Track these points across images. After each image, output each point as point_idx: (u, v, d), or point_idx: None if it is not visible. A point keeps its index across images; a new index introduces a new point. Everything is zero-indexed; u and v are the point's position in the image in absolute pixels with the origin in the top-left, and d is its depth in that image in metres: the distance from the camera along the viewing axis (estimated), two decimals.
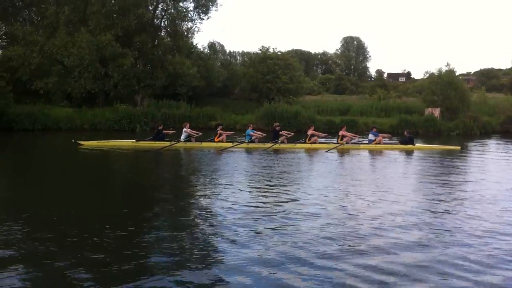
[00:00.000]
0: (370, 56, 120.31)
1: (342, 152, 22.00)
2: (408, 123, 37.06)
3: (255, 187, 12.54)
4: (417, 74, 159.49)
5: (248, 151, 21.80)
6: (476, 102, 44.85)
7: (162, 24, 44.99)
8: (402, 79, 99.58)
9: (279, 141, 23.06)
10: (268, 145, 22.76)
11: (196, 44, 57.50)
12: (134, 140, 23.18)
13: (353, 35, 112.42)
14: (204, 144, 22.95)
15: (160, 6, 43.81)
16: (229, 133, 24.27)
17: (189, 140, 22.95)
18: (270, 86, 46.58)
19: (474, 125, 36.86)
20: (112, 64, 37.35)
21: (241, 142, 23.17)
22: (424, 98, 42.50)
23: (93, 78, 36.97)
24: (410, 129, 30.36)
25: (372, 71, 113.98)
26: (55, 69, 37.18)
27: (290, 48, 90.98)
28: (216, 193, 11.50)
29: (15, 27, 39.25)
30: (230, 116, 39.16)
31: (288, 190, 11.96)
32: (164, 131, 23.52)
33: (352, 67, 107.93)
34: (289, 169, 15.95)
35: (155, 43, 43.21)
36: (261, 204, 10.25)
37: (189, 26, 45.76)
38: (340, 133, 24.04)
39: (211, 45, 62.05)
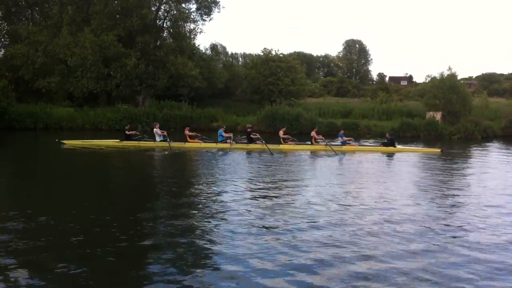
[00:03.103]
0: (372, 59, 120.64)
1: (318, 154, 22.44)
2: (409, 126, 37.09)
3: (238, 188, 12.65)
4: (419, 78, 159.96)
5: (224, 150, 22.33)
6: (478, 107, 44.80)
7: (164, 25, 45.00)
8: (403, 83, 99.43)
9: (229, 141, 23.51)
10: (251, 145, 23.48)
11: (198, 45, 57.61)
12: (118, 140, 23.21)
13: (355, 38, 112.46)
14: (188, 145, 23.32)
15: (162, 7, 43.86)
16: (192, 134, 24.34)
17: (165, 140, 23.15)
18: (272, 88, 46.54)
19: (475, 129, 36.80)
20: (115, 64, 37.40)
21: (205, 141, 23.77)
22: (426, 101, 42.46)
23: (95, 78, 37.03)
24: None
25: (374, 74, 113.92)
26: (58, 69, 37.27)
27: (292, 51, 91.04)
28: (212, 193, 11.69)
29: (19, 26, 39.29)
30: (231, 118, 39.13)
31: (281, 193, 12.12)
32: (128, 132, 23.61)
33: (354, 70, 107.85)
34: (279, 171, 16.18)
35: (158, 43, 43.24)
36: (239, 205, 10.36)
37: (191, 27, 45.79)
38: (312, 134, 24.76)
39: (213, 47, 62.01)
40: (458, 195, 12.55)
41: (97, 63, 36.73)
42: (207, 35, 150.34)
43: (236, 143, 23.85)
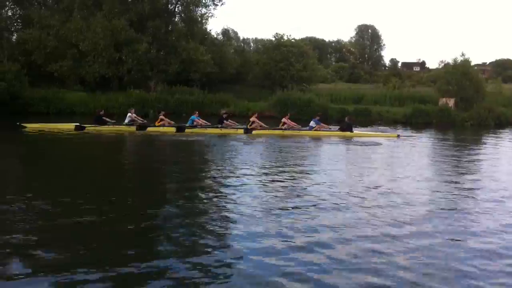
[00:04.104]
0: (384, 44, 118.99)
1: (283, 138, 22.06)
2: (422, 112, 36.78)
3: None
4: (432, 64, 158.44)
5: (191, 136, 22.21)
6: (491, 93, 44.26)
7: (176, 10, 44.86)
8: (416, 69, 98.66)
9: (219, 126, 23.60)
10: (209, 129, 23.39)
11: (210, 30, 57.35)
12: (78, 124, 22.84)
13: (368, 23, 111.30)
14: (150, 129, 23.21)
15: None
16: (170, 122, 24.05)
17: (132, 125, 23.21)
18: (283, 74, 46.40)
19: (489, 116, 36.43)
20: (126, 49, 37.39)
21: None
22: (439, 88, 42.08)
23: (107, 63, 37.09)
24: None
25: (386, 60, 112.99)
26: (70, 53, 37.38)
27: (304, 36, 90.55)
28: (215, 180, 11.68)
29: (31, 11, 39.37)
30: (243, 103, 39.07)
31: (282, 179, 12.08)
32: (104, 118, 23.58)
33: (366, 55, 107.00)
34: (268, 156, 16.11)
35: (169, 28, 43.12)
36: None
37: (203, 12, 45.64)
38: (283, 120, 24.37)
39: (225, 32, 61.89)
40: (471, 181, 12.61)
41: (108, 48, 36.75)
42: (218, 20, 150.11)
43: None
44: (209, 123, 24.29)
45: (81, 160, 15.20)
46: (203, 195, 10.06)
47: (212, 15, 54.58)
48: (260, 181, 11.70)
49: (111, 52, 37.02)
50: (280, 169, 13.52)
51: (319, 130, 24.09)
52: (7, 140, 19.85)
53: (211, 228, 7.71)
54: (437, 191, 11.17)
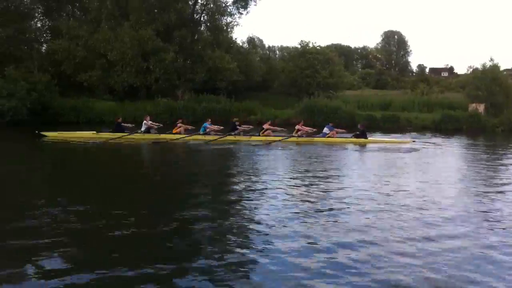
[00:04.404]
0: (411, 50, 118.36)
1: (298, 144, 22.11)
2: (451, 118, 36.24)
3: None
4: (460, 69, 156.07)
5: (209, 143, 22.10)
6: None
7: (201, 19, 45.28)
8: (444, 74, 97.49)
9: (234, 134, 23.45)
10: (224, 137, 23.12)
11: (235, 38, 57.71)
12: (94, 132, 23.18)
13: (394, 29, 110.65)
14: (163, 135, 23.25)
15: (199, 1, 44.19)
16: (188, 126, 24.47)
17: (148, 132, 23.37)
18: (310, 81, 46.28)
19: None
20: (153, 58, 37.82)
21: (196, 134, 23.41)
22: (468, 93, 41.48)
23: (135, 72, 37.56)
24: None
25: (414, 66, 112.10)
26: (99, 63, 37.95)
27: (329, 43, 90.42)
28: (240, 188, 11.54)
29: (60, 22, 40.14)
30: (269, 111, 39.08)
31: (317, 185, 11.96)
32: (123, 124, 23.86)
33: (393, 61, 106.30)
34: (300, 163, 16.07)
35: (195, 37, 43.49)
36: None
37: (228, 21, 45.96)
38: (297, 127, 24.28)
39: (250, 40, 62.10)
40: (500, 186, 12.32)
41: (136, 58, 37.23)
42: (244, 28, 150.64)
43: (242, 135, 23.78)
44: (221, 127, 24.46)
45: (104, 168, 15.45)
46: (227, 200, 10.10)
47: (237, 24, 54.77)
48: (283, 186, 11.66)
49: (139, 62, 37.47)
50: (301, 174, 13.51)
51: (333, 137, 23.91)
52: (28, 148, 20.38)
53: (237, 232, 7.73)
54: (466, 196, 11.07)
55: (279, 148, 20.79)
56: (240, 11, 45.25)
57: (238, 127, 23.93)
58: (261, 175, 13.28)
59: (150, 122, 23.83)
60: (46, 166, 15.69)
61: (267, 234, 7.59)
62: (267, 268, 6.19)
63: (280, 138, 23.20)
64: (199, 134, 23.36)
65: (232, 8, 45.06)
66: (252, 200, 10.03)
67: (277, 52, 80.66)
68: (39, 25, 43.69)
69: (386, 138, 26.20)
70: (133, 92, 39.32)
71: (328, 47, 60.94)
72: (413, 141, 23.89)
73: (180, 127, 23.94)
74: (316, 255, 6.68)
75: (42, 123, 27.95)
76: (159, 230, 7.84)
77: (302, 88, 46.57)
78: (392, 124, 35.59)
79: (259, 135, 23.57)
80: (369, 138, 24.02)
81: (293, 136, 23.54)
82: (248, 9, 45.42)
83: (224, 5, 44.19)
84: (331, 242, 7.25)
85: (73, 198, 10.06)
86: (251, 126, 24.60)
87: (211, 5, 43.94)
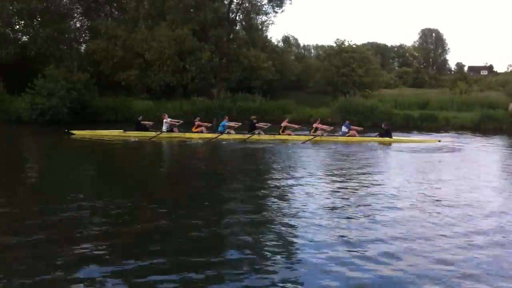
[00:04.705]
0: (449, 48, 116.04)
1: (318, 144, 21.88)
2: (491, 118, 35.33)
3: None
4: (500, 67, 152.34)
5: (228, 141, 22.19)
6: None
7: (237, 18, 45.43)
8: (484, 72, 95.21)
9: (256, 132, 23.41)
10: (246, 136, 23.14)
11: (271, 37, 57.68)
12: (122, 131, 23.56)
13: (432, 27, 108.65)
14: (188, 134, 23.49)
15: (235, 0, 44.24)
16: (207, 124, 24.63)
17: (172, 130, 23.54)
18: (345, 80, 45.93)
19: None
20: (190, 58, 38.15)
21: (221, 133, 23.41)
22: (508, 92, 40.40)
23: (172, 72, 37.95)
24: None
25: (452, 64, 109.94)
26: (136, 62, 38.52)
27: (365, 41, 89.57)
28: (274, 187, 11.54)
29: (99, 22, 40.89)
30: (304, 110, 38.92)
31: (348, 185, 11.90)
32: (143, 122, 24.16)
33: (430, 60, 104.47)
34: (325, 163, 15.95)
35: (231, 37, 43.67)
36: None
37: (263, 20, 46.00)
38: (314, 125, 24.12)
39: (285, 39, 62.06)
40: None
41: (173, 57, 37.60)
42: (279, 27, 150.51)
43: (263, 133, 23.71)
44: (239, 123, 24.56)
45: (134, 166, 15.75)
46: (261, 201, 10.10)
47: (272, 23, 54.74)
48: (319, 184, 11.71)
49: (176, 61, 37.86)
50: (335, 172, 13.58)
51: (354, 135, 23.71)
52: (54, 145, 21.14)
53: (273, 233, 7.73)
54: (502, 195, 10.91)
55: (308, 147, 20.77)
56: (275, 10, 45.23)
57: (256, 125, 23.99)
58: (296, 173, 13.37)
59: (170, 119, 24.09)
60: (75, 162, 16.10)
61: (302, 229, 7.69)
62: (302, 262, 6.29)
63: (309, 137, 23.16)
64: (222, 133, 23.44)
65: (267, 7, 45.08)
66: (287, 196, 10.23)
67: (312, 51, 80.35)
68: (78, 25, 44.68)
69: (412, 137, 25.78)
70: (170, 91, 39.78)
71: (364, 45, 60.35)
72: (439, 141, 23.49)
73: (199, 126, 24.06)
74: (351, 250, 6.77)
75: (81, 122, 28.48)
76: (196, 224, 8.01)
77: (338, 87, 46.25)
78: (429, 124, 34.93)
79: (280, 134, 23.62)
80: (394, 138, 23.79)
81: (318, 135, 23.52)
82: (283, 7, 45.39)
83: (259, 3, 44.26)
84: (365, 237, 7.33)
85: (111, 193, 10.27)
86: (268, 124, 24.43)
87: (247, 4, 44.04)
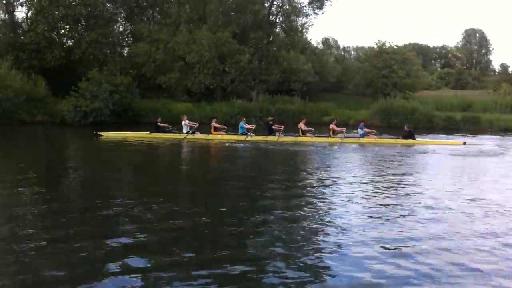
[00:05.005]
0: (493, 49, 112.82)
1: (344, 145, 22.10)
2: None
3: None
4: None
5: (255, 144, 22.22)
6: None
7: (277, 21, 45.51)
8: None
9: (277, 135, 23.34)
10: (270, 138, 23.28)
11: (310, 39, 57.48)
12: (148, 132, 23.84)
13: (475, 27, 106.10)
14: (212, 136, 23.69)
15: (275, 3, 44.40)
16: (223, 126, 24.67)
17: (193, 132, 23.70)
18: (386, 81, 45.42)
19: None
20: (230, 60, 38.49)
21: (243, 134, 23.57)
22: None
23: (211, 74, 38.33)
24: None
25: (496, 65, 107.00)
26: (177, 65, 39.05)
27: (407, 42, 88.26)
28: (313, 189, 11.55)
29: (141, 26, 41.65)
30: (343, 112, 38.73)
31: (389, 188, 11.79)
32: (160, 124, 24.27)
33: (473, 60, 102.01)
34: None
35: (270, 39, 43.82)
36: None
37: (303, 22, 45.96)
38: (331, 126, 24.08)
39: (325, 40, 61.81)
40: None
41: (213, 60, 37.98)
42: (319, 29, 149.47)
43: (283, 135, 23.61)
44: (254, 125, 24.79)
45: (169, 167, 16.16)
46: (296, 200, 10.15)
47: (312, 25, 54.67)
48: (349, 188, 11.64)
49: (216, 64, 38.23)
50: (366, 176, 13.50)
51: (373, 137, 23.70)
52: (81, 146, 21.80)
53: (310, 233, 7.80)
54: None
55: (334, 149, 20.93)
56: (316, 12, 45.20)
57: (273, 127, 24.03)
58: (327, 176, 13.42)
59: (188, 121, 24.32)
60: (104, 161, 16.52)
61: (339, 237, 7.62)
62: (339, 270, 6.23)
63: (336, 139, 23.42)
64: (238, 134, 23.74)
65: (308, 9, 45.07)
66: (320, 200, 10.19)
67: (352, 52, 79.67)
68: (121, 29, 45.64)
69: (436, 139, 25.36)
70: (209, 93, 40.19)
71: (405, 46, 59.50)
72: (464, 143, 23.13)
73: (217, 128, 24.19)
74: (389, 259, 6.66)
75: (123, 124, 29.06)
76: (232, 222, 8.22)
77: (378, 88, 45.78)
78: (472, 126, 34.26)
79: (299, 135, 23.69)
80: (417, 139, 23.61)
81: (354, 137, 23.86)
82: (324, 9, 45.25)
83: (299, 6, 44.27)
84: (404, 246, 7.23)
85: (148, 192, 10.52)
86: (282, 126, 24.27)
87: (287, 6, 44.10)
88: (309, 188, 11.68)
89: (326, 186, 11.84)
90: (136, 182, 13.01)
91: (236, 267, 6.22)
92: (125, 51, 44.63)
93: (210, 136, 23.67)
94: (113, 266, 6.20)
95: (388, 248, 7.05)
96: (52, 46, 37.56)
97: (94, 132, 23.61)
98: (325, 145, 22.13)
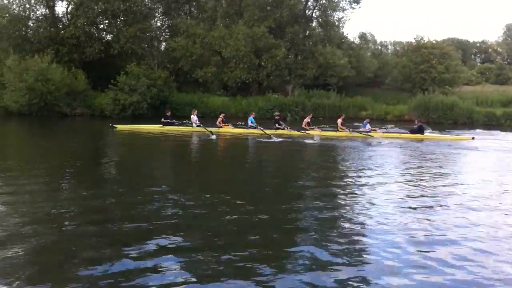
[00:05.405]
0: None
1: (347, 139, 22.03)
2: None
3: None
4: None
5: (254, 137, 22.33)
6: None
7: (313, 15, 45.23)
8: None
9: (283, 127, 23.69)
10: (286, 131, 23.47)
11: (347, 34, 57.04)
12: (160, 125, 24.09)
13: None
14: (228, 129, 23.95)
15: None
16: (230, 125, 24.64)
17: (200, 126, 23.78)
18: (424, 76, 44.63)
19: None
20: (265, 55, 38.49)
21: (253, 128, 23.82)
22: None
23: (247, 69, 38.41)
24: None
25: None
26: (214, 60, 39.29)
27: (446, 37, 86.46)
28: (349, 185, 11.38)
29: (178, 21, 42.04)
30: (380, 107, 38.32)
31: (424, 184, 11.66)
32: (169, 118, 24.61)
33: None
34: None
35: (306, 34, 43.58)
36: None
37: (340, 16, 45.57)
38: (338, 121, 24.15)
39: (362, 35, 61.12)
40: None
41: (249, 54, 38.05)
42: (355, 23, 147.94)
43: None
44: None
45: (202, 161, 16.22)
46: (321, 196, 10.00)
47: (349, 19, 54.19)
48: (377, 181, 11.55)
49: (252, 58, 38.29)
50: (394, 170, 13.43)
51: (374, 130, 23.61)
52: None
53: (341, 229, 7.70)
54: None
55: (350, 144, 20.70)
56: (353, 6, 44.57)
57: (279, 122, 24.10)
58: (350, 170, 13.40)
59: (196, 118, 24.59)
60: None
61: (369, 228, 7.63)
62: (369, 260, 6.22)
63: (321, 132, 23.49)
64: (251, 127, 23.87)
65: (345, 3, 44.48)
66: (347, 194, 10.14)
67: (390, 47, 78.53)
68: (159, 24, 46.11)
69: (444, 135, 24.73)
70: (245, 88, 40.32)
71: (444, 41, 58.35)
72: (473, 138, 22.54)
73: (225, 123, 24.35)
74: (420, 251, 6.60)
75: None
76: (265, 219, 8.12)
77: (416, 83, 45.05)
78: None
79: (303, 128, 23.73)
80: (425, 134, 23.28)
81: (374, 130, 23.69)
82: (360, 3, 44.57)
83: (336, 0, 43.82)
84: (434, 237, 7.17)
85: (181, 185, 10.65)
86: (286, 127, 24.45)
87: (324, 1, 43.72)
88: (337, 182, 11.66)
89: (354, 178, 11.86)
90: (180, 172, 13.25)
91: (266, 263, 6.15)
92: (163, 46, 45.07)
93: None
94: (147, 261, 6.19)
95: (418, 248, 6.90)
96: (92, 40, 38.35)
97: (110, 124, 24.35)
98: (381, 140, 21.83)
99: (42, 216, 7.94)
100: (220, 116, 24.85)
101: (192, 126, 24.09)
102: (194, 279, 5.57)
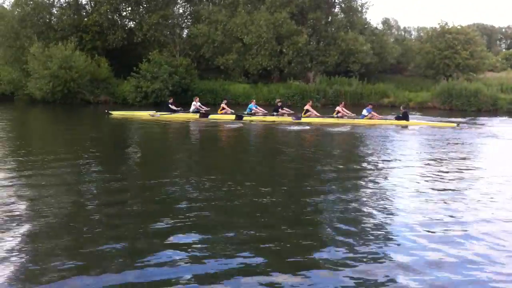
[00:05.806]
0: None
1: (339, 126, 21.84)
2: None
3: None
4: None
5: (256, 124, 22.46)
6: None
7: (336, 0, 44.80)
8: None
9: (275, 114, 23.91)
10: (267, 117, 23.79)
11: (370, 20, 56.33)
12: (154, 112, 24.33)
13: None
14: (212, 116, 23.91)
15: None
16: (231, 110, 24.72)
17: (197, 112, 24.00)
18: (448, 62, 43.98)
19: None
20: (287, 41, 38.34)
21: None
22: None
23: (269, 55, 38.33)
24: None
25: None
26: (235, 47, 39.26)
27: (471, 22, 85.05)
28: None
29: (200, 7, 42.03)
30: (403, 94, 37.97)
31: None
32: (171, 105, 24.68)
33: None
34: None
35: (329, 20, 43.21)
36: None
37: (363, 2, 45.05)
38: (337, 108, 23.91)
39: (385, 21, 60.34)
40: None
41: (270, 41, 37.94)
42: (379, 9, 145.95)
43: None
44: (266, 111, 24.75)
45: (218, 146, 16.35)
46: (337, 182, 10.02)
47: (372, 4, 53.53)
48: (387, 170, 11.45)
49: (273, 45, 38.18)
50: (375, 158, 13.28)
51: (373, 119, 23.42)
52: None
53: (358, 214, 7.78)
54: None
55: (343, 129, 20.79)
56: None
57: (280, 109, 24.19)
58: (357, 158, 13.55)
59: (199, 104, 24.81)
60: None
61: (382, 221, 7.52)
62: (389, 256, 6.11)
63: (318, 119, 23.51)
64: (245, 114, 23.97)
65: None
66: (356, 184, 10.02)
67: (413, 33, 77.47)
68: (181, 11, 46.06)
69: (428, 121, 24.45)
70: (266, 75, 40.28)
71: (469, 26, 57.33)
72: (457, 125, 22.32)
73: (224, 108, 24.49)
74: (440, 242, 6.54)
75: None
76: (285, 203, 8.26)
77: (440, 70, 44.45)
78: None
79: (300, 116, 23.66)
80: (410, 121, 23.26)
81: (332, 117, 23.71)
82: None
83: None
84: (450, 232, 7.04)
85: (198, 170, 10.77)
86: (292, 111, 24.64)
87: None
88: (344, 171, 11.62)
89: (364, 167, 11.81)
90: (180, 159, 13.42)
91: (285, 248, 6.25)
92: (185, 33, 45.12)
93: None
94: (166, 241, 6.37)
95: (436, 232, 6.96)
96: (114, 27, 38.54)
97: (106, 110, 24.92)
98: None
99: (68, 198, 8.40)
100: (223, 103, 25.10)
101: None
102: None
